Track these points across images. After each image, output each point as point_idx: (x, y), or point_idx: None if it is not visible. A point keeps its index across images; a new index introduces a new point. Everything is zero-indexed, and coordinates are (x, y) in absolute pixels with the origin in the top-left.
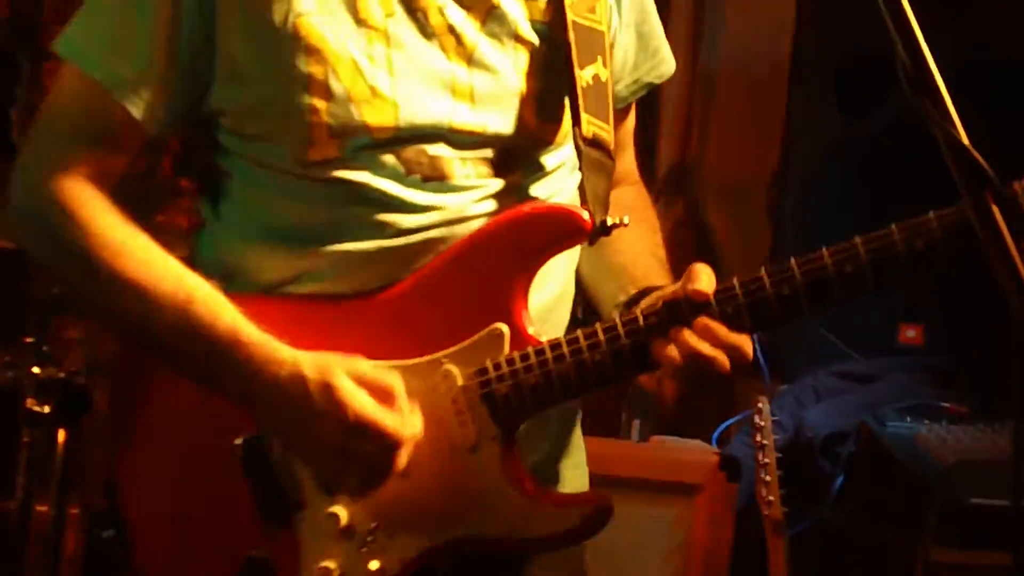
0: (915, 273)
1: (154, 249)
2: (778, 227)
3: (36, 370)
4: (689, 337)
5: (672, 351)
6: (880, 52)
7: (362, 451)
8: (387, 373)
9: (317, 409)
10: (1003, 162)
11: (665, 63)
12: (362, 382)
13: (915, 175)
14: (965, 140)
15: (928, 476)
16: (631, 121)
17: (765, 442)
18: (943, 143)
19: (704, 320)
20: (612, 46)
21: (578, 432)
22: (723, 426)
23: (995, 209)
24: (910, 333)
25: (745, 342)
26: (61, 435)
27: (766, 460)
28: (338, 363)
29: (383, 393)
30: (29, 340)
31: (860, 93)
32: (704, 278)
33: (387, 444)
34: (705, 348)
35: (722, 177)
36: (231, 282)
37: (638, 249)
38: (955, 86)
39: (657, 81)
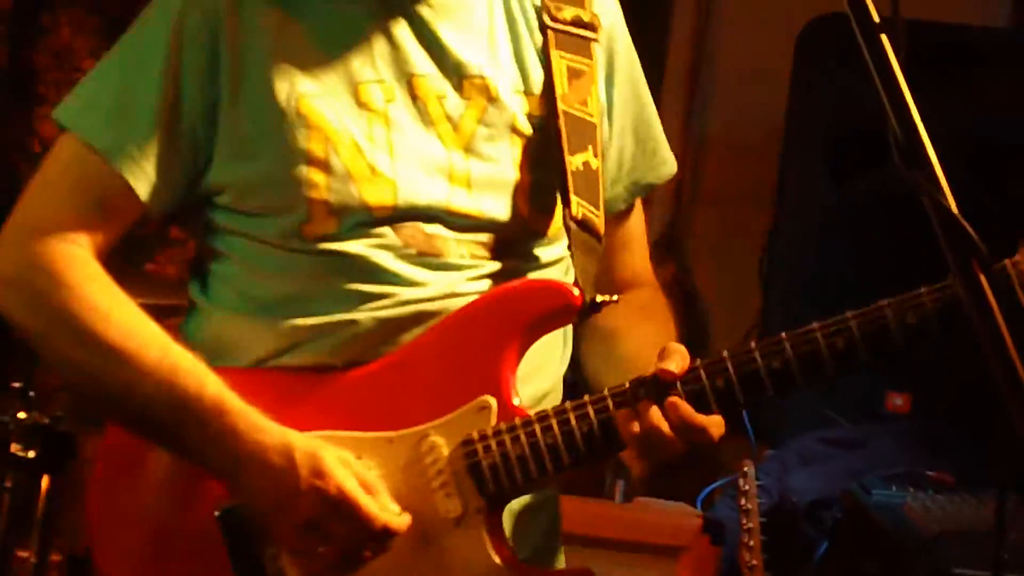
0: (907, 347)
1: (141, 318)
2: (767, 293)
3: (22, 415)
4: (653, 415)
5: (634, 427)
6: (873, 120)
7: (337, 531)
8: (372, 469)
9: (300, 479)
10: (999, 236)
11: (665, 164)
12: (348, 467)
13: (906, 243)
14: (954, 209)
15: (912, 545)
16: (638, 219)
17: (749, 506)
18: (932, 212)
19: (672, 399)
20: (605, 141)
21: (558, 533)
22: (708, 489)
23: (983, 279)
24: (897, 401)
25: (712, 424)
26: (45, 481)
27: (750, 524)
28: (326, 444)
29: (369, 485)
30: (15, 385)
31: (852, 161)
32: (676, 357)
33: (363, 527)
34: (664, 427)
35: (712, 242)
36: (219, 359)
37: (643, 343)
38: (950, 159)
39: (657, 182)
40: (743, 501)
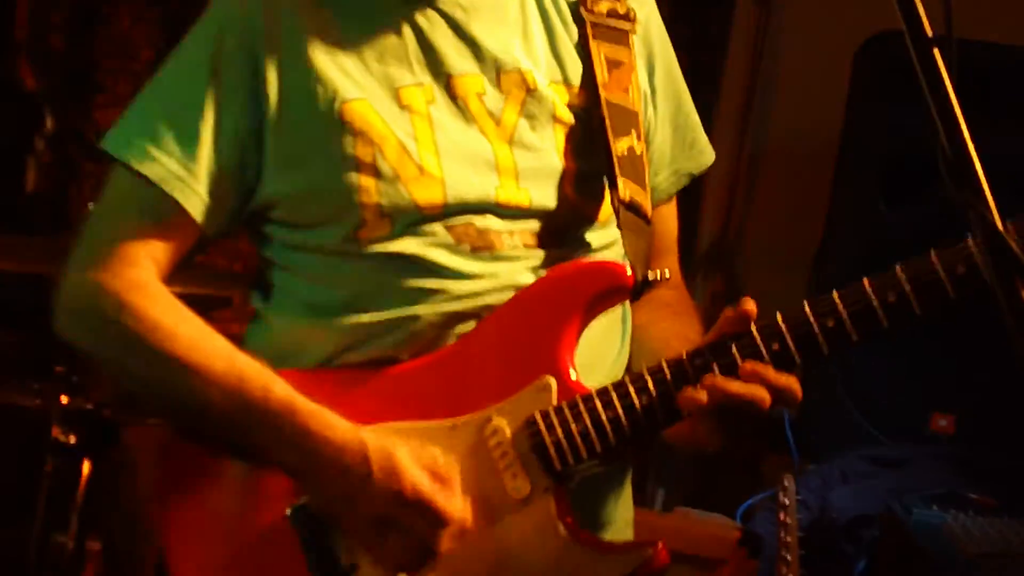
0: (960, 300)
1: (206, 331)
2: None
3: (64, 400)
4: (733, 387)
5: (701, 394)
6: (929, 142)
7: (409, 524)
8: (448, 462)
9: (374, 475)
10: None
11: (703, 154)
12: (422, 463)
13: None
14: (1000, 226)
15: (951, 566)
16: (672, 218)
17: (789, 521)
18: (977, 228)
19: (751, 364)
20: (648, 128)
21: (628, 492)
22: (748, 502)
23: None
24: (942, 422)
25: (793, 382)
26: (86, 466)
27: (788, 539)
28: (399, 440)
29: (441, 479)
30: (59, 370)
31: (906, 182)
32: (749, 307)
33: (436, 520)
34: (749, 391)
35: (763, 254)
36: (283, 363)
37: (672, 334)
38: (1004, 183)
39: (696, 172)
40: (782, 515)
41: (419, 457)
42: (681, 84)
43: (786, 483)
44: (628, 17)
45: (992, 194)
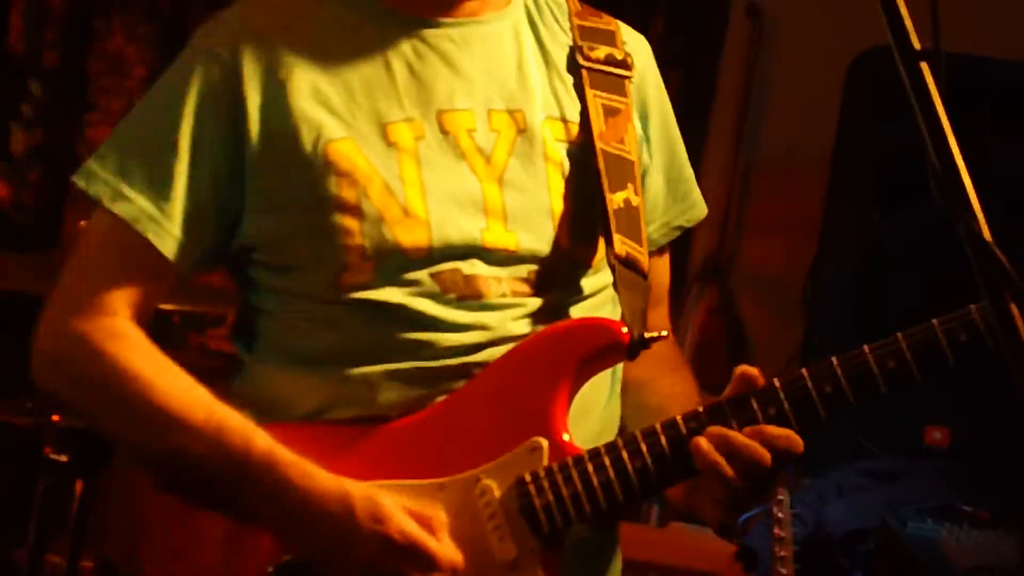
0: (957, 362)
1: (185, 381)
2: (810, 320)
3: (56, 419)
4: (728, 432)
5: (711, 449)
6: (921, 154)
7: (399, 572)
8: (431, 507)
9: (359, 525)
10: None
11: (695, 207)
12: (406, 509)
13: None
14: (988, 237)
15: None
16: (664, 269)
17: (783, 535)
18: (966, 240)
19: (749, 428)
20: (643, 176)
21: (618, 557)
22: (743, 516)
23: (1014, 309)
24: (936, 435)
25: (792, 436)
26: (78, 486)
27: (783, 553)
28: (383, 489)
29: (426, 524)
30: None
31: (900, 193)
32: (751, 372)
33: (427, 565)
34: (745, 440)
35: (757, 268)
36: (268, 415)
37: (673, 392)
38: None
39: (687, 225)
40: (778, 529)
41: (403, 504)
42: (675, 134)
43: (781, 497)
44: (625, 64)
45: (982, 205)
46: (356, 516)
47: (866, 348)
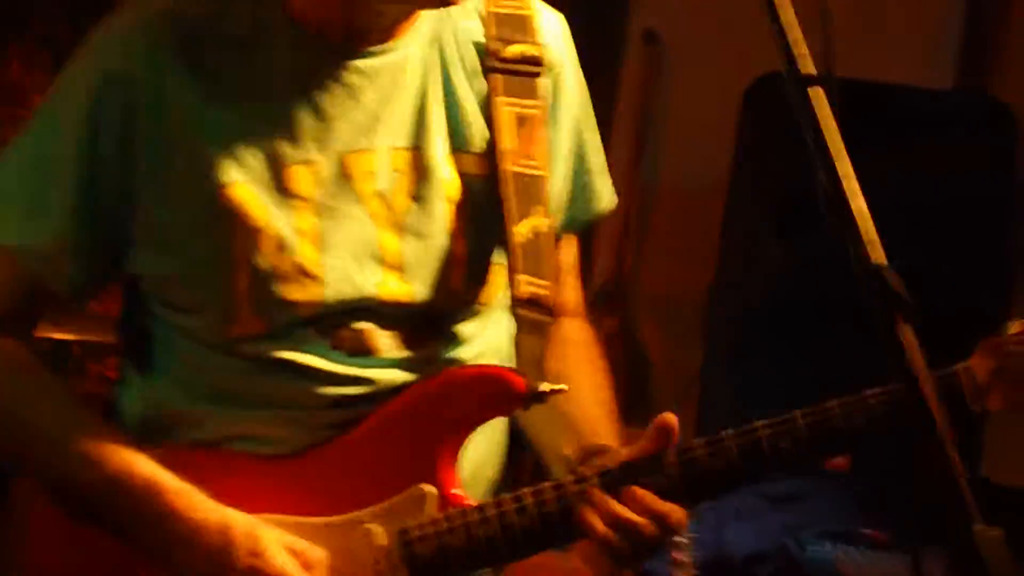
0: (853, 446)
1: (69, 403)
2: (708, 347)
3: None
4: (614, 505)
5: (596, 520)
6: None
7: None
8: (311, 546)
9: (238, 559)
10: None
11: (599, 200)
12: (286, 547)
13: (848, 303)
14: (879, 261)
15: None
16: (569, 251)
17: (683, 559)
18: (855, 264)
19: (633, 489)
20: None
21: None
22: None
23: (907, 331)
24: (836, 458)
25: (676, 510)
26: None
27: None
28: (264, 524)
29: (306, 563)
30: None
31: (797, 217)
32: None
33: None
34: (630, 514)
35: (656, 293)
36: (156, 437)
37: (585, 399)
38: (889, 220)
39: (589, 219)
40: (677, 553)
41: (286, 542)
42: (585, 122)
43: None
44: (537, 60)
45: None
46: (234, 548)
47: (759, 424)
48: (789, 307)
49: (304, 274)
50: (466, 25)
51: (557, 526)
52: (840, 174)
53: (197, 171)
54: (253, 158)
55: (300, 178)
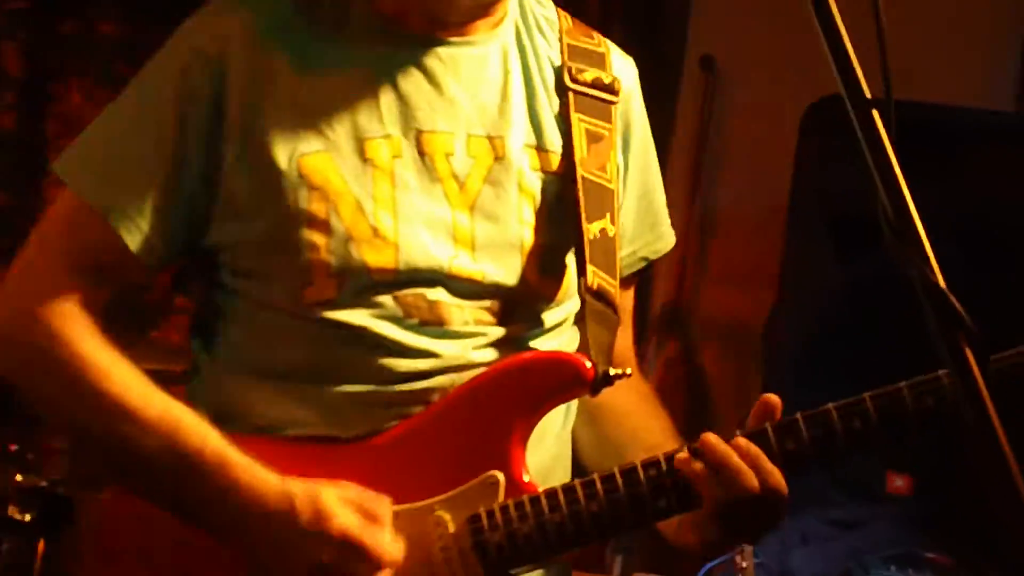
0: (923, 430)
1: (140, 375)
2: (768, 371)
3: (19, 478)
4: (726, 453)
5: (706, 469)
6: (874, 201)
7: (346, 571)
8: (375, 497)
9: (303, 525)
10: (996, 320)
11: (662, 239)
12: (349, 503)
13: (910, 325)
14: (942, 283)
15: None
16: (630, 299)
17: None
18: (919, 285)
19: (739, 440)
20: (620, 207)
21: None
22: (707, 567)
23: (968, 352)
24: (898, 482)
25: (777, 472)
26: (41, 545)
27: None
28: (326, 485)
29: (370, 516)
30: (13, 448)
31: (857, 241)
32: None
33: (371, 564)
34: (737, 459)
35: (715, 317)
36: (222, 423)
37: (641, 428)
38: (948, 242)
39: (653, 257)
40: None
41: (347, 498)
42: (652, 162)
43: (744, 547)
44: (612, 89)
45: (935, 250)
46: (298, 516)
47: (831, 406)
48: (849, 330)
49: (379, 238)
50: (546, 49)
51: (627, 512)
52: (899, 195)
53: (281, 140)
54: (335, 130)
55: (379, 151)
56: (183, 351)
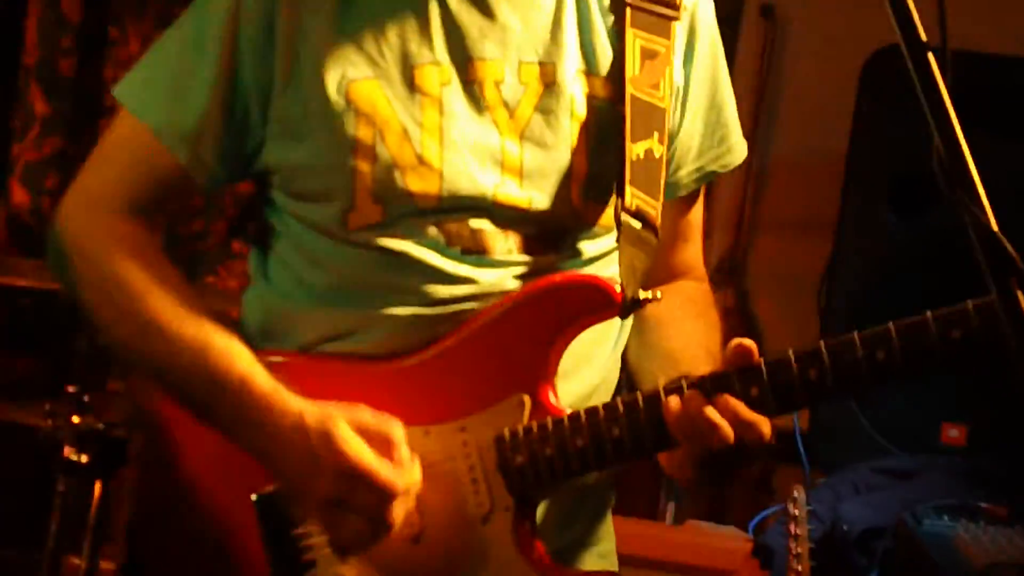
0: (949, 363)
1: (182, 293)
2: (825, 321)
3: (76, 420)
4: (703, 406)
5: (681, 418)
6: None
7: (358, 501)
8: (388, 421)
9: (316, 458)
10: None
11: (731, 152)
12: (362, 430)
13: (967, 279)
14: (995, 227)
15: None
16: (698, 212)
17: (799, 532)
18: (971, 229)
19: (725, 397)
20: (674, 127)
21: (608, 521)
22: (761, 515)
23: (1021, 297)
24: (953, 433)
25: (763, 422)
26: (98, 487)
27: (799, 550)
28: (339, 412)
29: (383, 443)
30: (71, 390)
31: (915, 194)
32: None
33: (382, 495)
34: (715, 416)
35: (772, 268)
36: (269, 340)
37: (690, 340)
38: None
39: (721, 171)
40: (793, 527)
41: (360, 424)
42: (721, 76)
43: (796, 495)
44: (672, 3)
45: (989, 201)
46: (313, 449)
47: (855, 335)
48: (906, 281)
49: (424, 164)
50: None
51: (646, 436)
52: (954, 140)
53: (330, 64)
54: (383, 56)
55: (428, 77)
56: (239, 297)
